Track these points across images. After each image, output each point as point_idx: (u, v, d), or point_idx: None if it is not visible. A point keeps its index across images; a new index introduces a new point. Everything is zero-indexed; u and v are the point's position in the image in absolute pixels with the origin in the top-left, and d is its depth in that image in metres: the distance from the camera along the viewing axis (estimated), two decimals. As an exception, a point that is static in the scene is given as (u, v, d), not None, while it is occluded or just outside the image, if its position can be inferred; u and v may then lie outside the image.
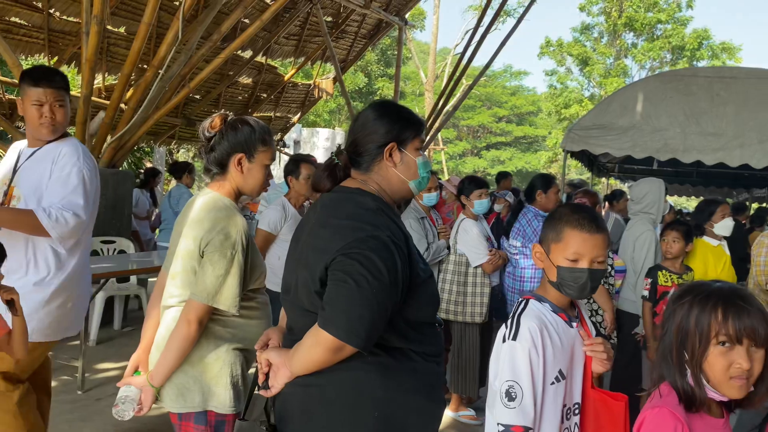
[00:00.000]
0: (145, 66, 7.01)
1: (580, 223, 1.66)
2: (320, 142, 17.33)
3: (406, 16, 10.67)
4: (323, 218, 1.65)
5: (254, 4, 7.06)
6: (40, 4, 6.44)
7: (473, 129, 33.04)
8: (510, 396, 1.58)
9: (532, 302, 1.71)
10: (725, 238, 4.06)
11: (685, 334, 1.37)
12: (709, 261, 3.86)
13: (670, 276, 3.72)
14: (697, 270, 3.81)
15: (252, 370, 2.15)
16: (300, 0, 8.48)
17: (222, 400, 2.05)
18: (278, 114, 11.13)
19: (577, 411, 1.72)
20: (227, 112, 2.20)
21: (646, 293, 3.73)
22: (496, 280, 4.27)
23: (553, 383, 1.63)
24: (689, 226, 3.84)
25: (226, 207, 2.07)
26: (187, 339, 1.95)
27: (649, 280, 3.71)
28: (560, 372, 1.65)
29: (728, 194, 14.23)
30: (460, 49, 22.78)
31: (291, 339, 1.68)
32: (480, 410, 4.36)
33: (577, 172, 25.07)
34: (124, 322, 6.11)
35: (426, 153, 1.83)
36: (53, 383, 4.37)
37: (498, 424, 1.60)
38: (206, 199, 2.10)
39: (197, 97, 8.94)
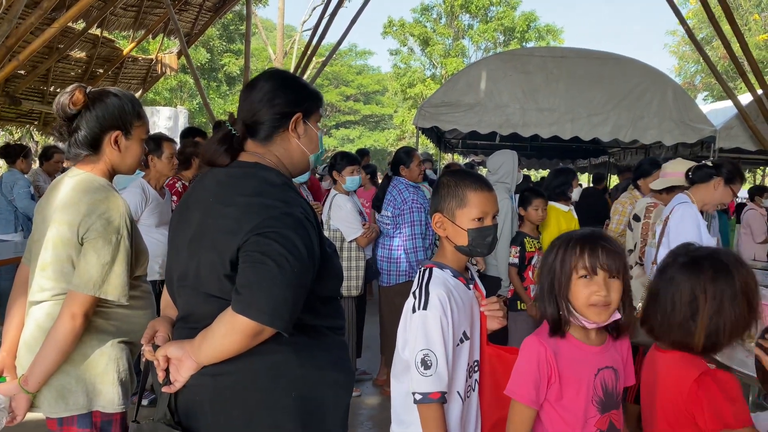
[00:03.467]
0: (-45, 35, 6.09)
1: (479, 185, 1.77)
2: (161, 122, 16.20)
3: (253, -11, 10.32)
4: (225, 196, 1.54)
5: (87, -30, 6.40)
6: None
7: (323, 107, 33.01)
8: (426, 364, 1.63)
9: (435, 270, 1.77)
10: (581, 203, 4.49)
11: (554, 272, 1.62)
12: (561, 225, 4.23)
13: (533, 242, 4.05)
14: (551, 233, 4.16)
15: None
16: (138, -33, 7.86)
17: (109, 399, 1.90)
18: (117, 91, 10.27)
19: (476, 368, 1.83)
20: (84, 85, 1.97)
21: (515, 261, 4.00)
22: (370, 253, 4.36)
23: (458, 344, 1.72)
24: (545, 195, 4.20)
25: (103, 188, 1.89)
26: (71, 335, 1.77)
27: (518, 248, 4.00)
28: (464, 333, 1.74)
29: (556, 165, 15.70)
30: (308, 25, 22.57)
31: (188, 328, 1.58)
32: (357, 381, 4.46)
33: (422, 147, 26.09)
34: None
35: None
36: None
37: (414, 393, 1.65)
38: (77, 180, 1.90)
39: (22, 72, 7.97)
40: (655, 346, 1.73)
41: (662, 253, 3.34)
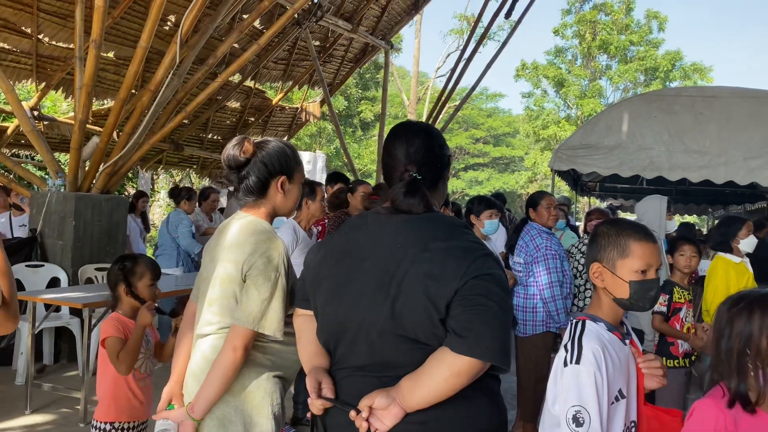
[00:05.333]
0: (133, 91, 6.96)
1: (643, 235, 1.70)
2: (302, 165, 17.26)
3: (391, 39, 10.79)
4: (417, 242, 1.54)
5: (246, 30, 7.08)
6: (29, 30, 6.36)
7: (451, 150, 33.32)
8: (578, 421, 1.56)
9: (588, 323, 1.70)
10: (748, 254, 4.09)
11: (749, 336, 1.47)
12: (731, 278, 3.82)
13: (682, 292, 3.75)
14: (720, 287, 3.78)
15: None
16: (289, 25, 8.52)
17: (264, 431, 2.00)
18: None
19: (633, 429, 1.72)
20: (246, 136, 2.15)
21: (662, 309, 3.73)
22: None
23: (613, 403, 1.63)
24: (698, 242, 3.90)
25: (266, 230, 2.04)
26: (232, 366, 1.90)
27: (666, 297, 3.73)
28: (620, 391, 1.65)
29: (704, 211, 14.53)
30: (441, 72, 23.08)
31: (373, 376, 1.56)
32: None
33: (557, 191, 25.36)
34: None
35: None
36: (53, 416, 4.24)
37: None
38: (244, 222, 2.07)
39: (185, 121, 8.89)
40: None
41: None
